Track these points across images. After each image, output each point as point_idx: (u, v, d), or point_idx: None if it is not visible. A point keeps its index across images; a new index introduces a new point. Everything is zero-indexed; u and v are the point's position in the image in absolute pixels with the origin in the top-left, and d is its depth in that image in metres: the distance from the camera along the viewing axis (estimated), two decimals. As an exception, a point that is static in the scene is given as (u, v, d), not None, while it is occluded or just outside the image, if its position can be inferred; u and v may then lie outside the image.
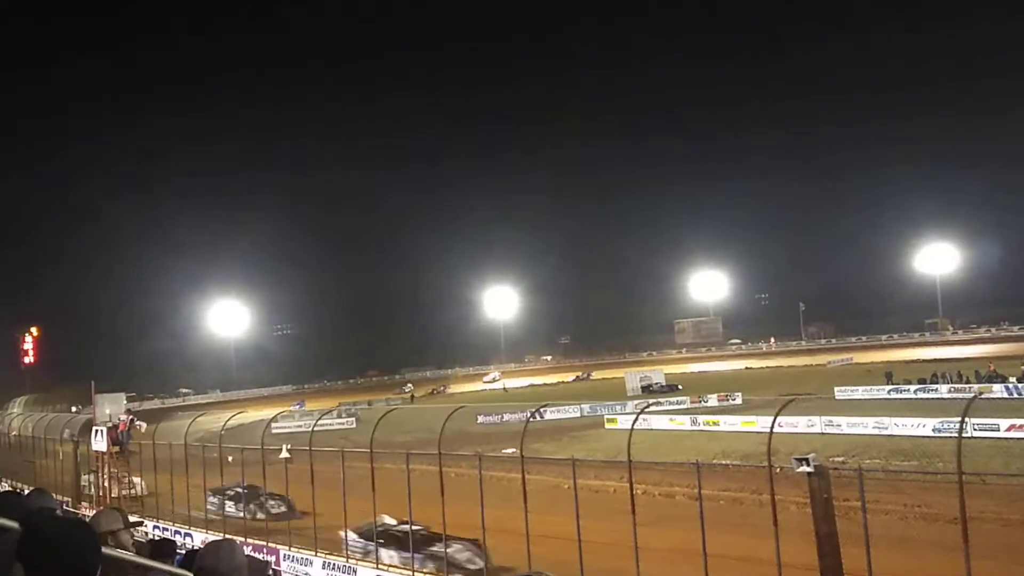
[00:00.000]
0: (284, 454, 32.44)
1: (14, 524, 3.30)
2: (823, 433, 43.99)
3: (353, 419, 67.62)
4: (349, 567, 23.70)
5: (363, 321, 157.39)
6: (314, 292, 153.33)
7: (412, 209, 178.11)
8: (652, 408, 55.95)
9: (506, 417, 61.95)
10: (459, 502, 22.91)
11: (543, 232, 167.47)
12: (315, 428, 31.93)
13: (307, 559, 25.05)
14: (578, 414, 64.07)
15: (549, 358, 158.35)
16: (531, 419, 35.15)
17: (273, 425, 38.29)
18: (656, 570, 17.91)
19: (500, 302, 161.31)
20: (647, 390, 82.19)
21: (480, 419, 61.97)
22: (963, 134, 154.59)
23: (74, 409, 56.71)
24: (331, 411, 66.84)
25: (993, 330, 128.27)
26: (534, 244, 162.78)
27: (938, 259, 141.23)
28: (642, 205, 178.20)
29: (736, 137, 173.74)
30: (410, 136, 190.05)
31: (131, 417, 38.74)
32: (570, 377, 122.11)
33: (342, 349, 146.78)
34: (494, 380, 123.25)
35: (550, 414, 60.57)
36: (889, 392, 62.71)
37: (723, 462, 34.21)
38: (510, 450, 33.62)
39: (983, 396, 47.62)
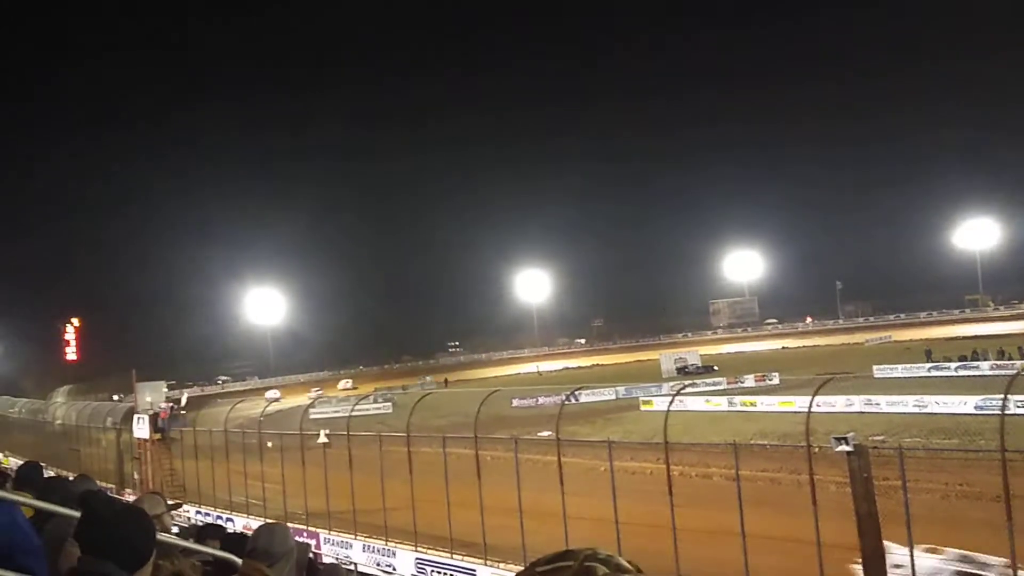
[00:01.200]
0: (322, 439, 32.80)
1: (66, 511, 3.38)
2: (862, 412, 43.56)
3: (389, 404, 68.14)
4: (388, 550, 23.95)
5: (397, 307, 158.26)
6: (349, 279, 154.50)
7: (446, 195, 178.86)
8: (688, 389, 55.86)
9: (541, 400, 62.07)
10: (495, 485, 23.02)
11: (576, 215, 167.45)
12: (352, 413, 32.15)
13: (347, 542, 25.33)
14: (613, 397, 63.96)
15: (583, 341, 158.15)
16: (566, 402, 35.24)
17: (311, 411, 38.69)
18: (694, 551, 17.86)
19: (533, 286, 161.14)
20: (682, 372, 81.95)
21: (515, 403, 62.12)
22: (1001, 108, 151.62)
23: (116, 398, 57.65)
24: (368, 396, 67.34)
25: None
26: (567, 227, 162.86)
27: (978, 234, 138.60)
28: (676, 187, 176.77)
29: (770, 118, 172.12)
30: (445, 122, 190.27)
31: (172, 404, 39.39)
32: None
33: (377, 335, 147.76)
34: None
35: (585, 397, 60.57)
36: (929, 370, 61.97)
37: (761, 442, 34.01)
38: (546, 433, 33.68)
39: (1026, 373, 46.72)
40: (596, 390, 64.71)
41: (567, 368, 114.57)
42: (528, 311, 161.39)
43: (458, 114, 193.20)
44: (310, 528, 26.68)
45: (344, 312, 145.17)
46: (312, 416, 41.85)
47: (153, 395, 38.89)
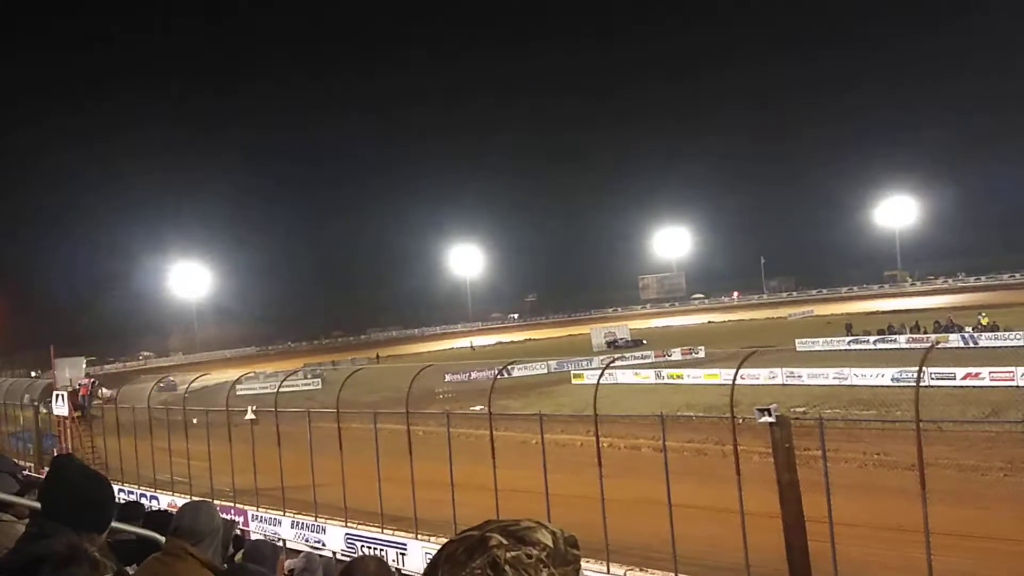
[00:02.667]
0: (249, 416, 32.34)
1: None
2: (785, 384, 44.73)
3: (319, 380, 67.45)
4: (318, 525, 23.81)
5: (328, 282, 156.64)
6: (277, 253, 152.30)
7: (378, 168, 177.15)
8: (617, 363, 56.64)
9: (474, 375, 62.14)
10: (428, 460, 23.03)
11: (509, 191, 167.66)
12: (280, 389, 31.73)
13: (276, 519, 25.11)
14: (545, 371, 64.44)
15: (516, 316, 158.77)
16: (499, 376, 35.40)
17: (238, 387, 38.08)
18: (623, 521, 18.18)
19: (466, 261, 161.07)
20: (612, 345, 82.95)
21: (448, 377, 62.08)
22: (921, 88, 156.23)
23: (33, 374, 55.85)
24: (296, 372, 66.55)
25: (950, 281, 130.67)
26: (500, 202, 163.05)
27: (897, 212, 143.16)
28: (607, 163, 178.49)
29: (699, 95, 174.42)
30: (376, 95, 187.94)
31: (92, 380, 38.33)
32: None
33: (306, 310, 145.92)
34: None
35: (518, 371, 60.92)
36: (849, 343, 63.86)
37: (687, 414, 34.67)
38: (478, 407, 33.79)
39: (940, 346, 48.67)
40: (529, 364, 65.10)
41: (500, 343, 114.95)
42: (461, 286, 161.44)
43: (389, 87, 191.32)
44: (237, 505, 26.33)
45: (273, 287, 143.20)
46: (239, 392, 41.18)
47: (72, 371, 37.77)
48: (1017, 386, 37.58)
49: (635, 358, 66.83)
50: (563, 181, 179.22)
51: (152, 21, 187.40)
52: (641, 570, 17.42)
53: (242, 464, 27.61)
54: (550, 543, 1.59)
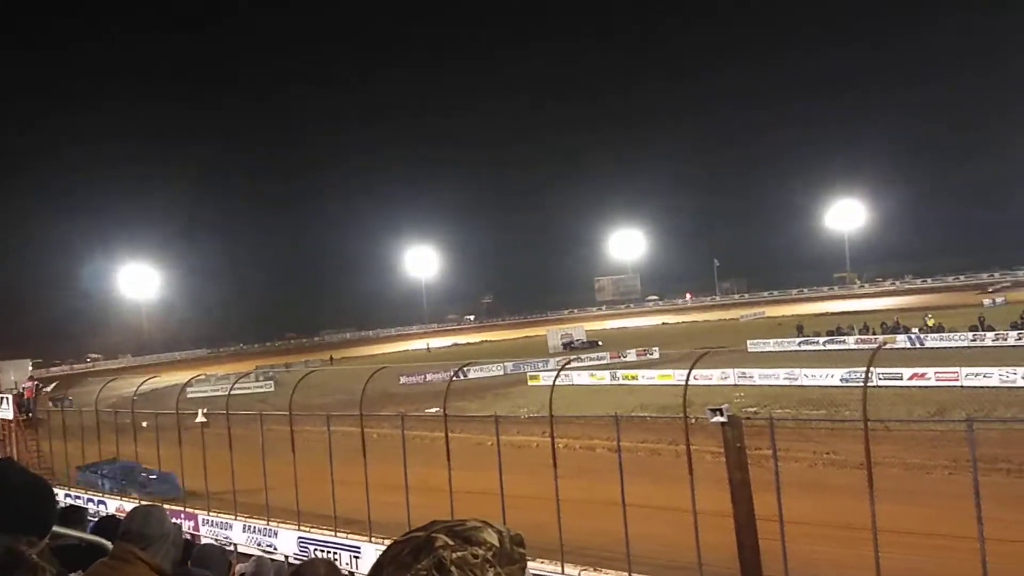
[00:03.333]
0: (200, 418, 31.83)
1: None
2: (737, 385, 45.28)
3: (271, 382, 66.75)
4: (270, 529, 23.54)
5: (281, 283, 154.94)
6: (230, 254, 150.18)
7: (333, 169, 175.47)
8: (573, 364, 56.78)
9: (429, 377, 61.96)
10: (382, 462, 22.90)
11: (466, 193, 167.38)
12: (232, 392, 31.32)
13: (227, 523, 24.77)
14: (501, 372, 64.48)
15: (472, 318, 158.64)
16: (455, 378, 35.34)
17: (188, 390, 37.52)
18: (578, 521, 18.25)
19: (422, 262, 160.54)
20: (568, 347, 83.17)
21: (403, 379, 61.86)
22: (870, 94, 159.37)
23: (-23, 377, 54.46)
24: (248, 374, 65.75)
25: (898, 283, 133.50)
26: (457, 204, 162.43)
27: (846, 216, 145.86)
28: (563, 166, 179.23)
29: (654, 101, 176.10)
30: (332, 99, 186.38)
31: (37, 383, 37.49)
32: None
33: (259, 312, 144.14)
34: None
35: (473, 373, 60.82)
36: (799, 344, 64.78)
37: (641, 415, 34.94)
38: (433, 409, 33.71)
39: (887, 347, 49.63)
40: (485, 366, 65.05)
41: (456, 344, 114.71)
42: (417, 287, 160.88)
43: (345, 90, 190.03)
44: (188, 509, 25.94)
45: (225, 289, 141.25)
46: (189, 395, 40.58)
47: (17, 373, 36.88)
48: (962, 386, 38.45)
49: (591, 359, 67.12)
50: (519, 184, 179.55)
51: (101, 20, 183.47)
52: (595, 570, 17.49)
53: (192, 467, 27.20)
54: (496, 542, 1.59)
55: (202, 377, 53.01)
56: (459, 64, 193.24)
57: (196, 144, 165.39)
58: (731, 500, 14.52)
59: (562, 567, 17.25)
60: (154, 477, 29.67)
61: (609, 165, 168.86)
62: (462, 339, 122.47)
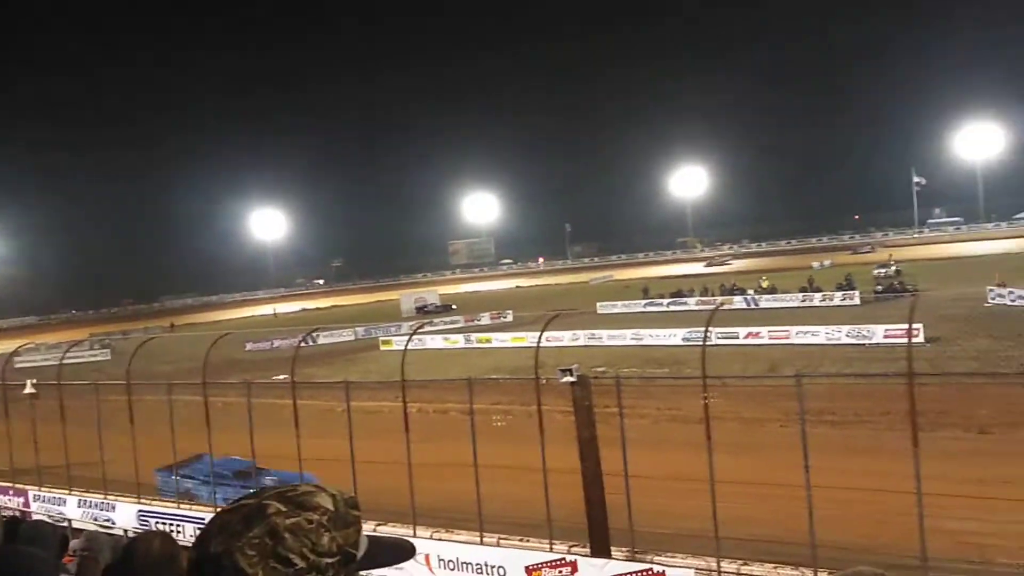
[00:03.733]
0: (29, 389, 29.85)
1: None
2: (587, 346, 46.46)
3: (107, 350, 63.49)
4: (107, 503, 22.46)
5: (116, 246, 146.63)
6: (61, 214, 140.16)
7: (174, 127, 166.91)
8: (426, 328, 56.73)
9: (277, 343, 60.53)
10: (228, 431, 22.24)
11: (313, 152, 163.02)
12: (64, 361, 29.48)
13: (60, 498, 23.47)
14: (352, 337, 63.74)
15: (322, 282, 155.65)
16: (303, 344, 34.58)
17: (16, 359, 35.14)
18: (431, 484, 18.30)
19: (268, 225, 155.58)
20: (422, 311, 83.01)
21: (249, 346, 60.24)
22: (711, 63, 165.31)
23: None
24: (82, 342, 62.22)
25: (735, 247, 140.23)
26: (304, 164, 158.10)
27: (689, 182, 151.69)
28: (416, 129, 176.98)
29: (506, 67, 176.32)
30: (179, 61, 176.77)
31: None
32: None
33: (93, 276, 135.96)
34: None
35: (323, 338, 59.82)
36: (645, 306, 67.13)
37: (494, 377, 35.31)
38: (281, 376, 32.89)
39: (724, 308, 52.15)
40: (335, 331, 64.08)
41: (305, 309, 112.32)
42: (263, 251, 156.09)
43: (190, 52, 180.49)
44: (17, 485, 24.39)
45: (55, 251, 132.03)
46: (17, 365, 38.03)
47: None
48: (792, 344, 40.91)
49: (444, 323, 67.22)
50: (370, 145, 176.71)
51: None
52: (447, 531, 17.63)
53: (22, 441, 25.50)
54: (330, 506, 1.56)
55: (31, 346, 49.73)
56: (314, 26, 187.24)
57: (28, 94, 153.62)
58: (579, 457, 14.90)
59: (414, 530, 17.28)
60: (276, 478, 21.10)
61: (463, 129, 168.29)
62: (311, 304, 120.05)
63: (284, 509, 1.49)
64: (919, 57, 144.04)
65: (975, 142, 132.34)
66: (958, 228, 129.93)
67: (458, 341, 54.90)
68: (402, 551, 1.72)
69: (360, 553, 1.58)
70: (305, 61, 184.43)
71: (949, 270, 74.60)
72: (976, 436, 22.41)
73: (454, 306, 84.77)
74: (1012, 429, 20.63)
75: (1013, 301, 47.77)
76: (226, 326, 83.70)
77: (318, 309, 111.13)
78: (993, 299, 49.33)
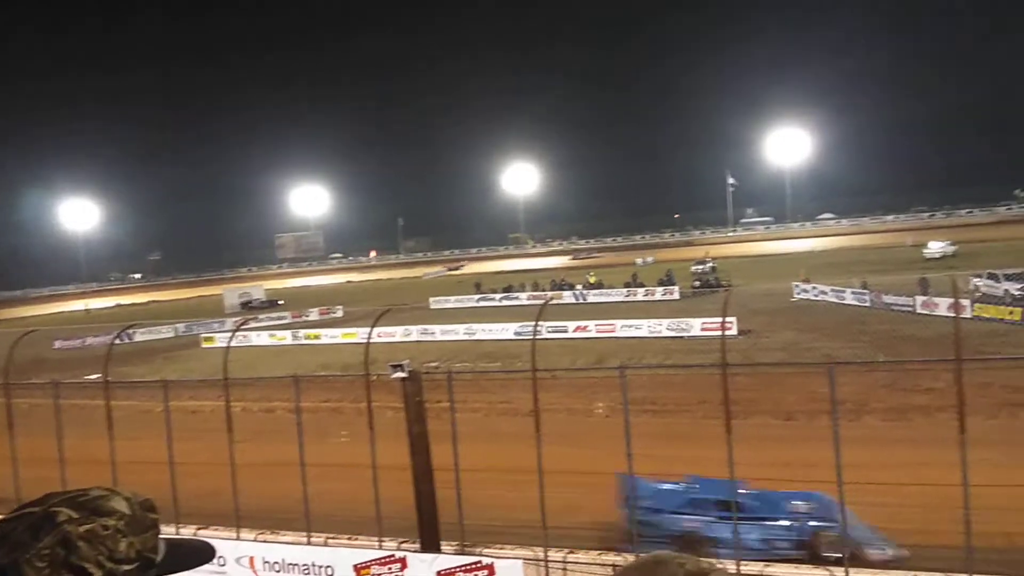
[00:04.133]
0: None
1: None
2: (419, 341, 46.39)
3: None
4: None
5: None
6: None
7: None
8: (251, 324, 55.00)
9: (89, 340, 56.90)
10: (34, 435, 20.67)
11: (129, 139, 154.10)
12: None
13: None
14: (172, 334, 60.93)
15: (138, 276, 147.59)
16: (118, 342, 32.68)
17: None
18: (256, 485, 17.72)
19: (78, 215, 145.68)
20: (247, 307, 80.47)
21: (57, 344, 56.39)
22: (538, 67, 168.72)
23: None
24: None
25: (565, 243, 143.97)
26: (118, 153, 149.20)
27: (521, 179, 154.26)
28: (239, 117, 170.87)
29: (336, 58, 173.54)
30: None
31: None
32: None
33: None
34: None
35: (140, 335, 57.01)
36: (478, 301, 67.80)
37: (323, 374, 34.67)
38: (94, 376, 30.95)
39: (554, 302, 53.43)
40: (153, 328, 61.08)
41: (120, 305, 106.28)
42: (73, 242, 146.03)
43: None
44: None
45: None
46: None
47: None
48: (618, 337, 42.40)
49: (270, 319, 65.40)
50: (190, 133, 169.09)
51: None
52: (273, 532, 17.14)
53: None
54: (127, 510, 1.45)
55: None
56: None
57: None
58: (410, 452, 14.82)
59: (238, 533, 16.70)
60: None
61: (291, 119, 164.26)
62: (127, 300, 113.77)
63: (76, 516, 1.39)
64: (735, 64, 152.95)
65: (784, 147, 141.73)
66: (768, 227, 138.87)
67: (285, 338, 53.53)
68: (201, 554, 1.63)
69: (159, 558, 1.49)
70: (117, 44, 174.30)
71: (760, 267, 79.64)
72: (783, 422, 23.98)
73: (281, 301, 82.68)
74: (815, 416, 22.17)
75: (816, 296, 51.49)
76: (32, 323, 77.97)
77: (135, 305, 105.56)
78: (798, 294, 52.98)
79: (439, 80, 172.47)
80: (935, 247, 73.38)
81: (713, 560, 1.67)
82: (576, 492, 16.44)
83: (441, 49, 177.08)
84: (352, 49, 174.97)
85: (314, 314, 67.56)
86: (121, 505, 1.45)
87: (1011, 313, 37.34)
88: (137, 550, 1.43)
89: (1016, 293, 42.09)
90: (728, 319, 38.93)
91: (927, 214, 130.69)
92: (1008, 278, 44.10)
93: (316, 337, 52.40)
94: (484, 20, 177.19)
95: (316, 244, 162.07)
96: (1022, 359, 27.10)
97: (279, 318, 67.17)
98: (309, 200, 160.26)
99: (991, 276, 45.20)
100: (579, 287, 66.59)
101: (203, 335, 55.91)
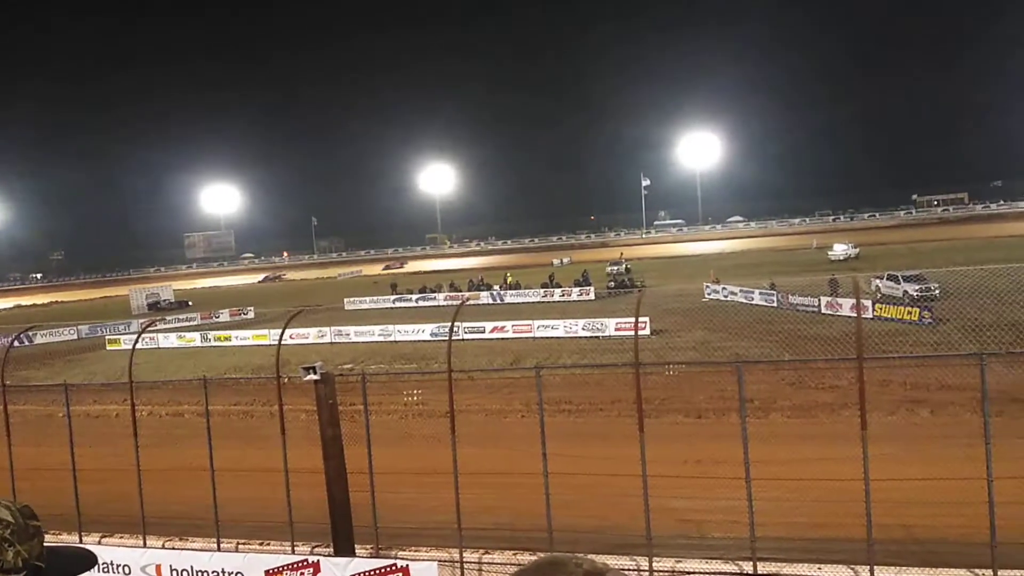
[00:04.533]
0: None
1: None
2: (333, 342, 45.78)
3: None
4: None
5: None
6: None
7: None
8: (159, 326, 53.46)
9: (-18, 343, 54.44)
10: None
11: (31, 138, 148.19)
12: None
13: None
14: (75, 336, 58.74)
15: (39, 276, 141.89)
16: (16, 344, 31.39)
17: None
18: (164, 491, 17.22)
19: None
20: (154, 307, 78.21)
21: (-53, 347, 53.76)
22: (460, 68, 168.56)
23: None
24: None
25: (482, 244, 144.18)
26: (15, 148, 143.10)
27: (438, 180, 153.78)
28: (144, 113, 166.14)
29: (247, 57, 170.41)
30: None
31: None
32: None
33: None
34: None
35: (41, 338, 54.86)
36: (394, 301, 67.26)
37: (234, 376, 33.96)
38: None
39: (471, 303, 53.42)
40: (55, 330, 58.79)
41: (20, 306, 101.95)
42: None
43: None
44: None
45: None
46: None
47: None
48: (535, 337, 42.62)
49: (179, 320, 63.69)
50: (97, 129, 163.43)
51: None
52: (181, 539, 16.70)
53: None
54: (10, 519, 1.44)
55: None
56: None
57: None
58: (323, 456, 14.62)
59: (144, 540, 16.22)
60: None
61: (201, 117, 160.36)
62: (27, 300, 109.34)
63: None
64: (650, 71, 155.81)
65: (696, 152, 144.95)
66: (680, 229, 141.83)
67: (194, 339, 52.16)
68: (84, 560, 1.60)
69: (45, 565, 1.47)
70: (18, 43, 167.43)
71: (672, 268, 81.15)
72: (695, 420, 24.47)
73: (190, 302, 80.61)
74: (724, 413, 22.69)
75: (726, 296, 52.72)
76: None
77: (35, 306, 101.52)
78: (709, 295, 54.15)
79: (356, 80, 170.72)
80: (839, 249, 75.89)
81: (608, 560, 1.70)
82: (492, 493, 16.47)
83: (358, 49, 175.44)
84: (266, 47, 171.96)
85: (225, 315, 66.07)
86: (4, 514, 1.43)
87: (910, 313, 38.87)
88: (24, 559, 1.41)
89: (914, 294, 43.84)
90: (641, 319, 39.51)
91: (831, 217, 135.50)
92: (907, 279, 45.93)
93: (226, 339, 51.20)
94: (402, 20, 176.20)
95: (227, 244, 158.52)
96: (920, 358, 28.24)
97: (188, 319, 65.47)
98: (220, 199, 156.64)
99: (891, 278, 46.99)
100: (496, 288, 66.73)
101: (108, 337, 54.02)
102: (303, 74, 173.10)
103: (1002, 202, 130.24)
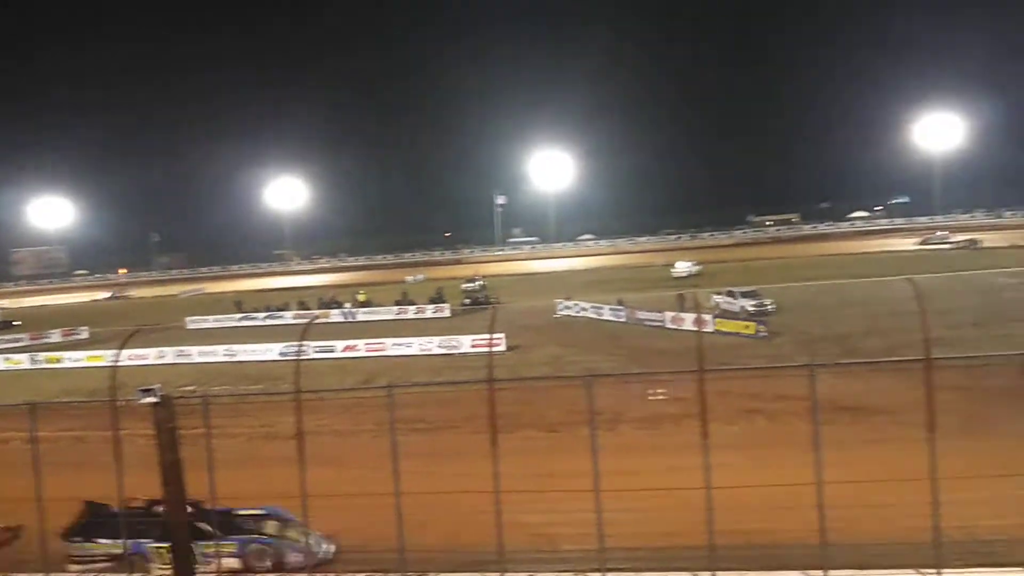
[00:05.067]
0: None
1: None
2: (174, 363, 43.86)
3: None
4: None
5: None
6: None
7: None
8: (-20, 348, 49.68)
9: None
10: None
11: None
12: None
13: None
14: None
15: None
16: None
17: None
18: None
19: None
20: (-25, 328, 72.64)
21: None
22: (309, 79, 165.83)
23: None
24: None
25: (334, 261, 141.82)
26: None
27: (286, 194, 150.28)
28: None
29: (85, 63, 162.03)
30: None
31: None
32: None
33: None
34: None
35: None
36: (240, 320, 65.11)
37: (65, 400, 31.98)
38: None
39: (321, 321, 52.42)
40: None
41: None
42: None
43: None
44: None
45: None
46: None
47: None
48: (388, 356, 42.18)
49: (5, 342, 59.44)
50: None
51: None
52: (5, 575, 15.51)
53: None
54: None
55: None
56: None
57: None
58: (162, 482, 13.92)
59: (-40, 582, 14.93)
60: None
61: (28, 126, 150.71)
62: None
63: None
64: (503, 88, 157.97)
65: (548, 170, 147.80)
66: (534, 247, 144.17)
67: (22, 361, 48.84)
68: None
69: None
70: None
71: (526, 284, 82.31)
72: (547, 434, 24.80)
73: (17, 322, 75.38)
74: (576, 427, 23.04)
75: (577, 313, 53.89)
76: None
77: None
78: (561, 311, 55.19)
79: (197, 89, 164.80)
80: (681, 267, 78.95)
81: None
82: (341, 515, 16.12)
83: (200, 57, 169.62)
84: (103, 50, 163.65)
85: (56, 335, 62.18)
86: None
87: (747, 327, 40.93)
88: None
89: (751, 309, 46.24)
90: (497, 335, 39.96)
91: (675, 236, 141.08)
92: (744, 295, 48.46)
93: (57, 360, 48.21)
94: (251, 30, 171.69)
95: (58, 260, 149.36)
96: (757, 369, 29.68)
97: (15, 340, 61.13)
98: (50, 213, 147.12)
99: (729, 293, 49.41)
100: (348, 305, 65.63)
101: (-79, 360, 49.83)
102: (145, 83, 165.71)
103: (829, 222, 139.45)
